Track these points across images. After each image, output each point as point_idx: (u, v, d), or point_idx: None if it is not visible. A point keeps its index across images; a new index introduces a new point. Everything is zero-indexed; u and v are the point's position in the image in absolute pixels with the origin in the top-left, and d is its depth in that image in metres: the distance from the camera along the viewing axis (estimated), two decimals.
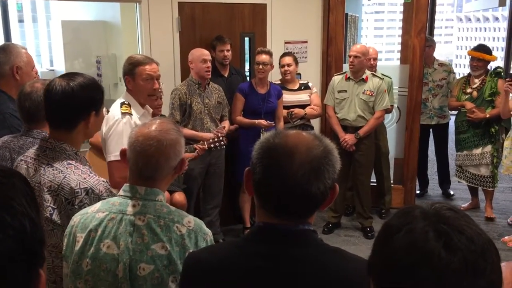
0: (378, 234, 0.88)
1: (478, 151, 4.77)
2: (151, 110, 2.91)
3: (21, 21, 9.17)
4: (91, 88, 1.79)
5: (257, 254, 1.13)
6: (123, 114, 2.64)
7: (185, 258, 1.34)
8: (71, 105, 1.76)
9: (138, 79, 2.75)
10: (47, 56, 7.14)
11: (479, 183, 4.88)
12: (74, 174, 1.72)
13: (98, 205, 1.54)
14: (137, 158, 1.48)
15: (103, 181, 1.75)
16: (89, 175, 1.74)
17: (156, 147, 1.46)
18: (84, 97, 1.77)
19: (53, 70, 7.15)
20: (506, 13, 8.46)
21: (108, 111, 1.97)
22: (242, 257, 1.14)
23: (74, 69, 6.70)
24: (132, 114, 2.70)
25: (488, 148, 4.74)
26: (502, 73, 4.79)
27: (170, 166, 1.51)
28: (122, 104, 2.68)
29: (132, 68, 2.74)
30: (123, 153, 1.54)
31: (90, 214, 1.50)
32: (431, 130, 5.45)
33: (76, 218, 1.53)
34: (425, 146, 5.56)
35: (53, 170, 1.72)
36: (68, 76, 1.80)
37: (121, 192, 1.52)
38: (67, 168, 1.73)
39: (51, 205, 1.68)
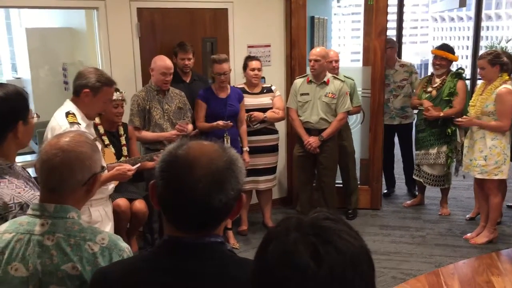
0: (260, 243, 0.88)
1: (434, 150, 4.83)
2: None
3: None
4: (13, 99, 1.75)
5: (162, 268, 1.12)
6: (71, 124, 2.60)
7: (93, 273, 1.31)
8: None
9: (100, 98, 2.73)
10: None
11: (434, 183, 4.96)
12: (8, 188, 1.67)
13: (5, 225, 1.48)
14: (42, 168, 1.43)
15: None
16: (23, 189, 1.69)
17: (60, 157, 1.41)
18: (6, 110, 1.73)
19: (19, 78, 7.06)
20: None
21: (38, 116, 1.93)
22: (149, 271, 1.13)
23: (40, 76, 6.64)
24: (80, 124, 2.67)
25: (444, 148, 4.80)
26: (463, 74, 4.87)
27: (76, 180, 1.44)
28: (67, 113, 2.64)
29: (100, 86, 2.70)
30: (36, 165, 1.49)
31: None
32: (396, 129, 5.50)
33: None
34: (391, 145, 5.61)
35: None
36: None
37: (29, 211, 1.47)
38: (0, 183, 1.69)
39: None
